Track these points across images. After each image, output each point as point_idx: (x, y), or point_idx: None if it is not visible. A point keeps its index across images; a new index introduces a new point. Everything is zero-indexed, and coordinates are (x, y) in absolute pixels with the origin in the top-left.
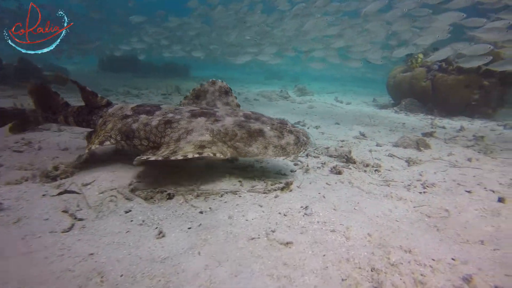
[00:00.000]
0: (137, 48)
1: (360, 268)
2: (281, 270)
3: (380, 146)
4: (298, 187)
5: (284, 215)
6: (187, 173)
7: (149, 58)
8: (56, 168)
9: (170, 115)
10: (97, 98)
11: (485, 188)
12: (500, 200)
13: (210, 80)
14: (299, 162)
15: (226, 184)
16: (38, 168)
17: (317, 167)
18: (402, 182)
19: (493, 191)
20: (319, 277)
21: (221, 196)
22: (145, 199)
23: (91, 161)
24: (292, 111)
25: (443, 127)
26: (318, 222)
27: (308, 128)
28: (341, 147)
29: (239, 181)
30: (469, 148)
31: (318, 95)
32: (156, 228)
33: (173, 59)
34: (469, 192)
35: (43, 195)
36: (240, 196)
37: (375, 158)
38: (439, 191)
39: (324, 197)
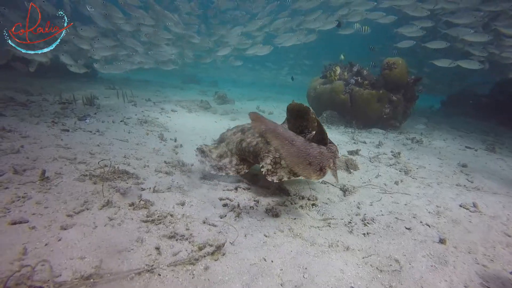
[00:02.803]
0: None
1: None
2: None
3: None
4: (231, 244)
5: None
6: None
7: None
8: None
9: None
10: None
11: (420, 222)
12: (441, 241)
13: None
14: (228, 201)
15: (137, 254)
16: None
17: (249, 207)
18: (342, 219)
19: (429, 226)
20: None
21: (130, 280)
22: None
23: None
24: (214, 124)
25: (364, 142)
26: None
27: None
28: None
29: (156, 248)
30: (392, 167)
31: (239, 103)
32: None
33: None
34: (409, 229)
35: None
36: (159, 276)
37: (309, 188)
38: (381, 229)
39: (265, 260)
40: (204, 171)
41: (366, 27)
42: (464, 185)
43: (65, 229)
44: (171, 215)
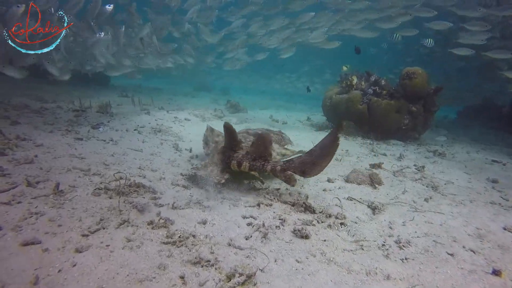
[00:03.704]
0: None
1: None
2: None
3: (332, 183)
4: (261, 271)
5: None
6: None
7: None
8: None
9: None
10: None
11: (463, 246)
12: (495, 273)
13: None
14: (252, 220)
15: (161, 284)
16: None
17: (275, 226)
18: (375, 241)
19: (473, 252)
20: None
21: None
22: None
23: None
24: None
25: (384, 154)
26: None
27: None
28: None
29: (181, 277)
30: (417, 181)
31: (252, 111)
32: None
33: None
34: (451, 255)
35: None
36: None
37: (335, 205)
38: (419, 254)
39: None
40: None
41: (398, 34)
42: (500, 204)
43: (80, 252)
44: (193, 236)
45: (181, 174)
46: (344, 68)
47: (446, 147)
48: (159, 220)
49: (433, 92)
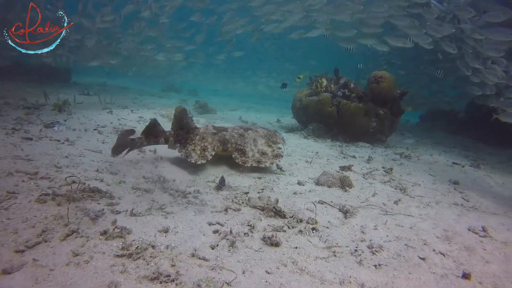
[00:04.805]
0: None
1: None
2: None
3: (303, 185)
4: (228, 284)
5: None
6: None
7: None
8: None
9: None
10: None
11: (433, 250)
12: (465, 276)
13: None
14: (219, 227)
15: None
16: None
17: (244, 233)
18: (348, 247)
19: (443, 255)
20: None
21: None
22: None
23: None
24: None
25: (353, 157)
26: None
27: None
28: (262, 189)
29: None
30: (387, 184)
31: (221, 112)
32: None
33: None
34: (423, 259)
35: None
36: None
37: (307, 209)
38: (392, 259)
39: None
40: (188, 188)
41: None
42: (462, 204)
43: (8, 273)
44: (153, 247)
45: (144, 177)
46: (298, 80)
47: (411, 149)
48: (114, 229)
49: (399, 95)
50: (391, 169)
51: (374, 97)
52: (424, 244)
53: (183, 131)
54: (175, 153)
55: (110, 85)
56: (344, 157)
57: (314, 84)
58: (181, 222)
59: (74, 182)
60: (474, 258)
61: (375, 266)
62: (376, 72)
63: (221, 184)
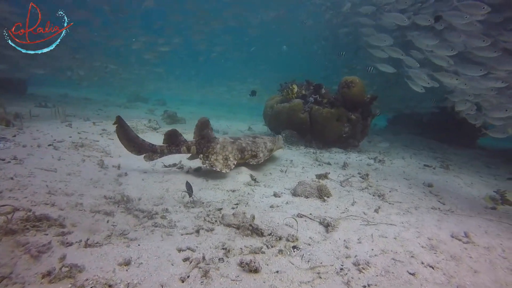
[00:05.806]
0: None
1: None
2: None
3: (279, 197)
4: None
5: None
6: None
7: None
8: None
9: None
10: None
11: (422, 262)
12: None
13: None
14: (189, 253)
15: None
16: None
17: (218, 259)
18: (333, 266)
19: (432, 267)
20: None
21: None
22: None
23: None
24: None
25: (329, 163)
26: None
27: (187, 171)
28: (237, 204)
29: None
30: (364, 191)
31: (191, 122)
32: None
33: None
34: (413, 275)
35: None
36: None
37: (285, 224)
38: (381, 277)
39: None
40: (155, 207)
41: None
42: (439, 208)
43: None
44: (110, 286)
45: (105, 196)
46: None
47: (384, 153)
48: (61, 268)
49: (369, 100)
50: (367, 174)
51: (345, 102)
52: (411, 256)
53: (204, 140)
54: (142, 167)
55: (72, 96)
56: (320, 165)
57: (285, 90)
58: (146, 250)
59: (16, 209)
60: (462, 269)
61: (364, 287)
62: (347, 77)
63: (189, 191)
